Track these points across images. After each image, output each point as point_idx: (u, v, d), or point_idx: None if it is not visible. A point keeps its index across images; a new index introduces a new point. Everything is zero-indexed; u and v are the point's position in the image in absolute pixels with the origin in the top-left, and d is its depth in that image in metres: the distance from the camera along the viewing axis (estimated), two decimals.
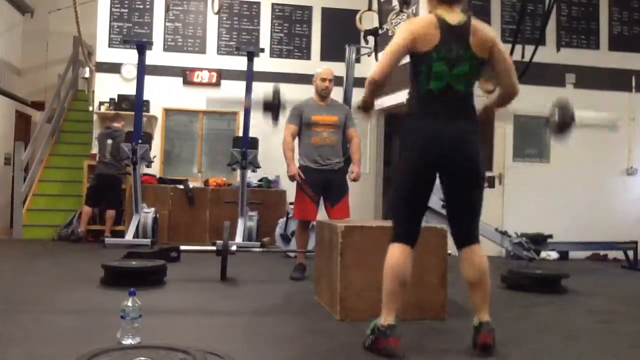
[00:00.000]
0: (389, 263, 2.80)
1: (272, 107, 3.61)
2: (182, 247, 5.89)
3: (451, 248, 3.81)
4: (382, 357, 2.72)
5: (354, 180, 5.27)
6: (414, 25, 2.92)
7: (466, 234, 2.93)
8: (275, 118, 3.65)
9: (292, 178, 5.21)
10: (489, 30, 2.88)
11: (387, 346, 2.72)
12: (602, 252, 7.69)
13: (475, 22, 2.84)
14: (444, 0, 2.84)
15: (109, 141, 8.05)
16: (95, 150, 8.50)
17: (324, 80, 5.25)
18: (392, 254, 2.81)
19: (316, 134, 5.16)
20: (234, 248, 5.22)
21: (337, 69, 7.59)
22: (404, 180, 2.93)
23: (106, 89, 9.12)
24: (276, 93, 3.62)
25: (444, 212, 7.03)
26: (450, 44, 2.79)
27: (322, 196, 5.29)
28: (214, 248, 5.08)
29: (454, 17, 2.82)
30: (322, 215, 5.55)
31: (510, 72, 2.92)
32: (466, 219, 2.94)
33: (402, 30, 2.92)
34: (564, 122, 3.07)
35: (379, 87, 3.09)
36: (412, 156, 2.90)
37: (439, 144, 2.81)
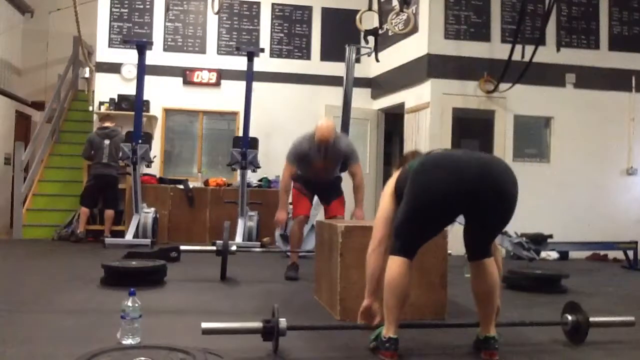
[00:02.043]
0: (388, 277, 2.81)
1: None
2: (183, 247, 5.89)
3: (451, 248, 3.82)
4: None
5: (357, 219, 5.18)
6: None
7: (478, 250, 3.01)
8: None
9: (277, 223, 5.31)
10: None
11: (383, 358, 2.77)
12: (602, 252, 7.69)
13: None
14: None
15: (107, 141, 8.01)
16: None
17: (322, 134, 4.85)
18: (391, 268, 2.81)
19: (313, 173, 5.17)
20: (234, 248, 5.21)
21: (337, 69, 7.63)
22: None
23: (106, 89, 9.12)
24: None
25: None
26: None
27: (319, 198, 5.42)
28: (214, 248, 5.08)
29: None
30: (322, 215, 5.58)
31: None
32: (482, 239, 3.01)
33: None
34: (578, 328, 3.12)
35: None
36: None
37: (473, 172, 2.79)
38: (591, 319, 3.08)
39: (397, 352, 2.77)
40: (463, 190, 2.74)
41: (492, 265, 2.92)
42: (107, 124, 8.25)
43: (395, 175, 3.07)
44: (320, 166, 5.07)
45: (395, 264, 2.80)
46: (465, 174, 2.75)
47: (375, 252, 2.93)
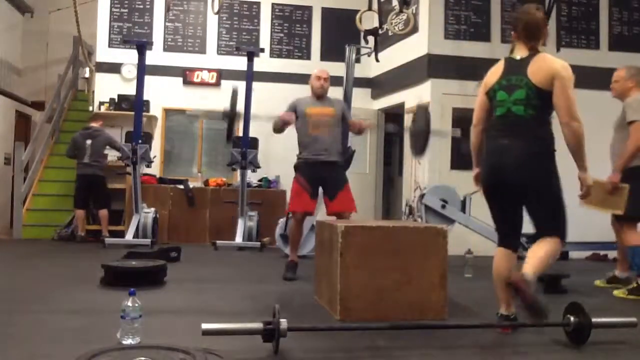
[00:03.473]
0: (493, 265, 3.33)
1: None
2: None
3: (451, 248, 3.82)
4: None
5: (360, 127, 5.26)
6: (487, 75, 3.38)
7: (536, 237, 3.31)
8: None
9: (284, 117, 5.08)
10: (553, 64, 3.12)
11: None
12: (602, 252, 7.68)
13: (541, 55, 3.17)
14: (516, 38, 3.26)
15: (89, 141, 7.98)
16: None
17: (318, 78, 5.21)
18: (494, 256, 3.35)
19: (312, 124, 5.10)
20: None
21: (337, 69, 7.61)
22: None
23: (106, 89, 9.13)
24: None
25: (444, 212, 7.06)
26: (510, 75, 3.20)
27: (322, 190, 5.24)
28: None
29: (520, 53, 3.23)
30: (322, 214, 5.54)
31: (563, 109, 3.10)
32: (535, 227, 3.33)
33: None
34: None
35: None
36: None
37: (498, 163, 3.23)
38: (593, 320, 3.08)
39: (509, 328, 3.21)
40: (489, 184, 3.31)
41: (549, 241, 3.25)
42: (92, 124, 8.24)
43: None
44: (318, 110, 5.10)
45: (497, 254, 3.35)
46: (488, 168, 3.30)
47: (473, 131, 3.44)
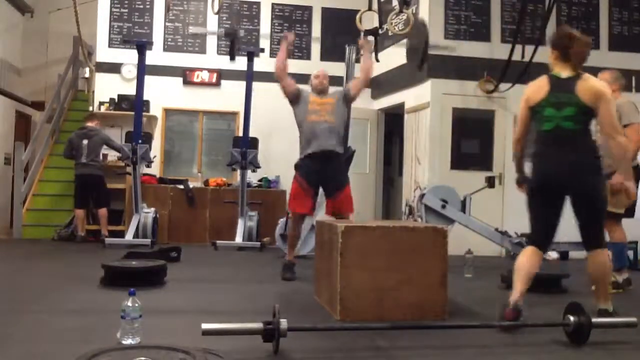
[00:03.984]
0: (518, 259, 3.56)
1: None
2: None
3: (451, 248, 3.82)
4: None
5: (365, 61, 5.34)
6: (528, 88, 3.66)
7: (586, 241, 3.52)
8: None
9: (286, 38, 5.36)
10: (598, 85, 3.52)
11: (504, 316, 3.36)
12: None
13: (585, 76, 3.52)
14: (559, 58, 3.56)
15: (85, 141, 7.97)
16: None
17: (317, 77, 5.27)
18: (524, 253, 3.57)
19: (314, 112, 5.10)
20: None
21: (337, 69, 7.61)
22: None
23: (106, 89, 9.12)
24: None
25: (444, 212, 7.06)
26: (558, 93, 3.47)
27: (323, 189, 5.23)
28: None
29: (565, 72, 3.52)
30: (322, 215, 5.55)
31: (609, 126, 3.45)
32: (584, 230, 3.54)
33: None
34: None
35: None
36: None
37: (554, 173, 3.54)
38: (593, 320, 3.08)
39: (517, 311, 3.36)
40: (542, 190, 3.64)
41: (600, 255, 3.48)
42: (88, 124, 8.23)
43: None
44: (319, 100, 5.16)
45: (525, 251, 3.60)
46: (542, 176, 3.69)
47: (518, 143, 3.95)
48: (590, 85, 3.47)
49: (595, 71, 8.69)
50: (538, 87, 3.54)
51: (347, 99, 5.32)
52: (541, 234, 3.60)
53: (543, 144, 3.58)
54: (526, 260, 3.51)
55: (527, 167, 3.76)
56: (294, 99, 5.21)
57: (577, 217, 3.52)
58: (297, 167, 5.20)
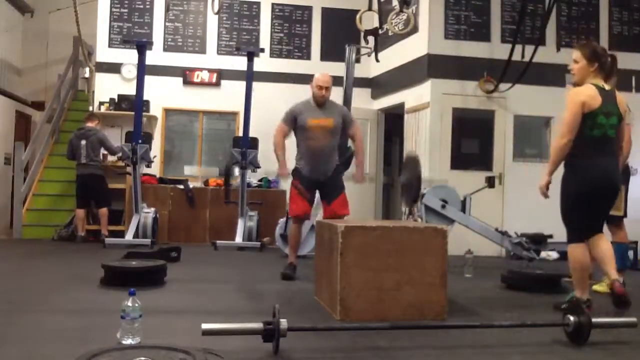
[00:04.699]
0: (577, 259, 3.87)
1: None
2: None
3: (451, 248, 3.82)
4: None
5: (357, 182, 5.27)
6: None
7: (596, 229, 3.93)
8: None
9: (281, 176, 5.31)
10: (623, 99, 3.94)
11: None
12: None
13: (615, 90, 3.95)
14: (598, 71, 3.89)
15: (83, 142, 7.99)
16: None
17: (320, 88, 5.12)
18: (577, 252, 3.86)
19: (312, 138, 5.11)
20: None
21: (337, 69, 7.61)
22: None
23: (106, 89, 9.13)
24: None
25: (444, 212, 7.05)
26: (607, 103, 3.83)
27: (320, 195, 5.28)
28: None
29: (605, 85, 3.91)
30: (322, 215, 5.54)
31: (628, 135, 4.12)
32: (600, 221, 4.00)
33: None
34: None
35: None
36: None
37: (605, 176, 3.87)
38: (593, 320, 3.08)
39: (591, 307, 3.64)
40: (594, 191, 3.92)
41: (603, 237, 3.96)
42: (87, 124, 8.24)
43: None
44: (319, 122, 5.07)
45: (579, 249, 3.90)
46: (593, 179, 3.92)
47: (566, 144, 3.86)
48: (621, 99, 3.93)
49: None
50: (592, 96, 3.79)
51: (345, 128, 5.25)
52: (590, 229, 3.89)
53: (593, 149, 3.83)
54: (586, 257, 3.87)
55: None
56: (293, 129, 5.21)
57: (601, 211, 3.93)
58: (294, 172, 5.24)
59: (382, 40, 8.32)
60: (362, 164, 5.29)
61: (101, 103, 9.11)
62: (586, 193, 3.84)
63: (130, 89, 8.41)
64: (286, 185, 8.17)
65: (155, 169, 9.02)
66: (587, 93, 3.81)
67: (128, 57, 8.70)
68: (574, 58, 3.95)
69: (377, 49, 8.06)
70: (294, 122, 5.15)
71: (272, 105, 9.14)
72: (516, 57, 7.38)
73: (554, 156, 3.93)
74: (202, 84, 9.36)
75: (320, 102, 5.17)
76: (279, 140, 5.19)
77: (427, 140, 7.83)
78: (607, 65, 3.91)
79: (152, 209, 7.95)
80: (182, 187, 8.75)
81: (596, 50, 3.90)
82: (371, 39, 7.89)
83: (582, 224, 3.90)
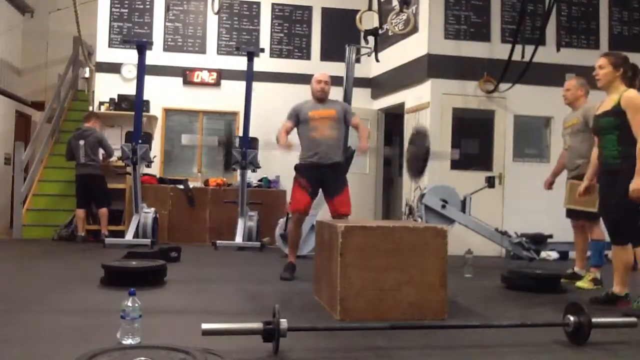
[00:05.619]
0: (631, 260, 4.14)
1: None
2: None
3: (451, 248, 3.82)
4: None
5: (361, 151, 5.27)
6: None
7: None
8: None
9: (281, 146, 5.10)
10: None
11: (622, 307, 3.90)
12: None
13: None
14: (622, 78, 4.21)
15: (81, 142, 8.00)
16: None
17: (319, 81, 5.22)
18: (629, 253, 4.07)
19: (314, 129, 5.13)
20: None
21: (337, 69, 7.61)
22: None
23: (106, 89, 9.13)
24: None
25: (444, 212, 7.05)
26: None
27: (322, 190, 5.26)
28: None
29: None
30: (322, 215, 5.54)
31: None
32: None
33: None
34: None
35: None
36: None
37: None
38: (593, 320, 3.08)
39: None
40: None
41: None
42: (85, 124, 8.24)
43: None
44: (320, 113, 5.13)
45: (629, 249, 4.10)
46: None
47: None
48: None
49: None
50: None
51: (346, 120, 5.31)
52: None
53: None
54: (631, 255, 4.08)
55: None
56: (296, 124, 5.25)
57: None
58: (297, 168, 5.24)
59: (382, 40, 8.32)
60: (366, 137, 5.24)
61: (101, 103, 9.11)
62: None
63: (130, 89, 8.41)
64: (286, 184, 8.20)
65: (155, 169, 9.02)
66: None
67: (128, 57, 8.70)
68: (599, 64, 4.23)
69: (377, 49, 8.06)
70: (296, 117, 5.21)
71: (272, 105, 9.17)
72: (516, 57, 7.38)
73: None
74: (202, 84, 9.36)
75: (320, 97, 5.22)
76: (282, 132, 5.20)
77: None
78: (629, 73, 4.19)
79: (152, 209, 7.95)
80: (182, 187, 8.75)
81: (620, 56, 4.21)
82: (371, 39, 7.88)
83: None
